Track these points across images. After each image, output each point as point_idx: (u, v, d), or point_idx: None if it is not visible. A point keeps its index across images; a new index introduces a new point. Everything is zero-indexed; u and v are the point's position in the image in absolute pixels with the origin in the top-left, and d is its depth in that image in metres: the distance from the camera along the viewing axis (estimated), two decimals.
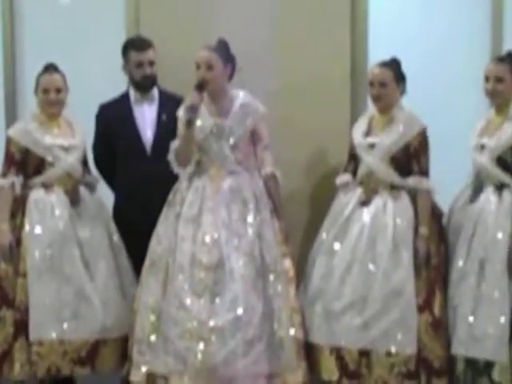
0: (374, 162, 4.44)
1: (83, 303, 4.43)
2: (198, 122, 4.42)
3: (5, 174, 4.55)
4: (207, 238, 4.32)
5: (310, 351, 4.40)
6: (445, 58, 5.17)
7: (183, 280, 4.29)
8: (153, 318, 4.35)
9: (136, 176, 4.82)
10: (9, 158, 4.57)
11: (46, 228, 4.47)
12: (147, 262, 4.47)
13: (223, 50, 4.44)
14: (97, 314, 4.43)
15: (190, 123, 4.32)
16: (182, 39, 5.08)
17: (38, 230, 4.46)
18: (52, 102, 4.59)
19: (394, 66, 4.46)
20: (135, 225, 4.76)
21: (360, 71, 5.12)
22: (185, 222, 4.39)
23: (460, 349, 4.26)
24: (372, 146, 4.46)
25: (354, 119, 5.02)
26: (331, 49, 5.10)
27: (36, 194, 4.53)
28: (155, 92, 4.94)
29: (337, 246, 4.44)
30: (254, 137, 4.50)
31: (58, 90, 4.59)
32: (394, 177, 4.42)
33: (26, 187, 4.56)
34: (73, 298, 4.42)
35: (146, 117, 4.91)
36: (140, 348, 4.36)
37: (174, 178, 4.55)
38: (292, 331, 4.34)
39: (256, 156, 4.52)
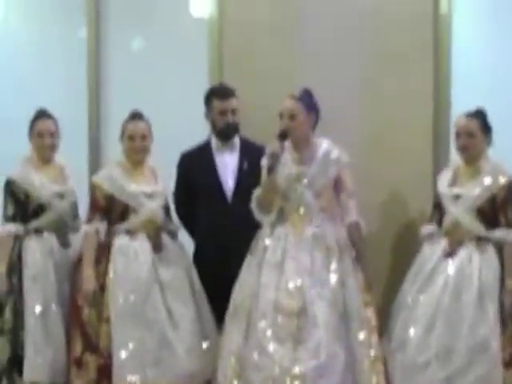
0: (459, 213, 4.40)
1: (166, 349, 4.45)
2: (282, 170, 4.45)
3: (90, 220, 4.63)
4: (290, 285, 4.32)
5: None
6: None
7: (266, 326, 4.29)
8: (235, 363, 4.35)
9: (217, 223, 4.84)
10: (94, 204, 4.64)
11: (129, 274, 4.51)
12: (230, 309, 4.48)
13: (307, 99, 4.47)
14: (179, 361, 4.45)
15: (271, 171, 4.36)
16: (265, 88, 5.17)
17: (122, 276, 4.52)
18: (137, 149, 4.67)
19: (480, 116, 4.45)
20: (215, 272, 4.77)
21: (443, 120, 5.09)
22: (268, 269, 4.41)
23: None
24: (458, 196, 4.43)
25: (435, 168, 5.03)
26: (414, 98, 5.09)
27: (120, 240, 4.59)
28: (237, 140, 4.97)
29: (421, 297, 4.40)
30: (337, 185, 4.51)
31: (144, 138, 4.67)
32: (480, 229, 4.38)
33: (110, 233, 4.62)
34: (156, 344, 4.44)
35: (227, 165, 4.94)
36: None
37: (255, 226, 4.57)
38: (374, 380, 4.30)
39: (340, 204, 4.52)
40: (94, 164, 5.59)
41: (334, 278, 4.36)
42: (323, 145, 4.53)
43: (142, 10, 5.65)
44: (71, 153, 5.11)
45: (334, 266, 4.38)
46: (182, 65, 5.51)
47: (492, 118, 4.50)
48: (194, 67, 5.46)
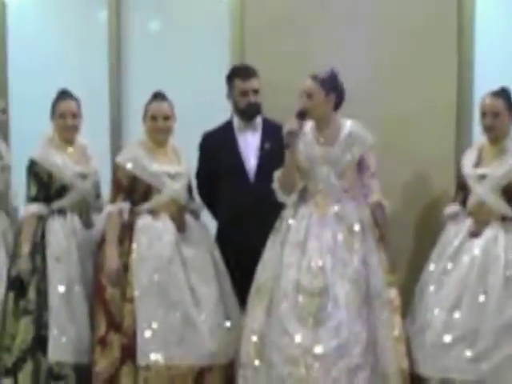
0: (484, 193, 4.38)
1: (190, 329, 4.45)
2: (305, 150, 4.45)
3: (113, 201, 4.63)
4: (312, 264, 4.32)
5: (416, 382, 4.33)
6: None
7: (287, 306, 4.29)
8: (257, 342, 4.36)
9: (239, 203, 4.84)
10: (117, 184, 4.64)
11: (153, 254, 4.51)
12: (253, 289, 4.49)
13: (329, 79, 4.43)
14: (203, 340, 4.45)
15: (288, 148, 4.35)
16: (286, 67, 5.15)
17: (145, 255, 4.52)
18: (160, 129, 4.65)
19: (505, 95, 4.42)
20: (238, 251, 4.78)
21: (466, 99, 5.08)
22: (290, 248, 4.41)
23: None
24: (483, 176, 4.41)
25: (458, 147, 5.01)
26: (437, 76, 5.06)
27: (143, 220, 4.59)
28: (259, 120, 4.96)
29: (446, 277, 4.39)
30: (360, 165, 4.49)
31: (166, 118, 4.66)
32: (505, 208, 4.36)
33: (133, 213, 4.62)
34: (179, 323, 4.44)
35: (249, 144, 4.94)
36: (244, 372, 4.38)
37: (277, 206, 4.56)
38: (396, 361, 4.29)
39: (363, 184, 4.50)
40: (116, 144, 5.60)
41: (356, 258, 4.34)
42: (347, 125, 4.51)
43: None
44: (93, 133, 5.12)
45: (356, 245, 4.37)
46: (204, 45, 5.50)
47: None
48: (215, 47, 5.46)
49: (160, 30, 5.73)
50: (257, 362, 4.34)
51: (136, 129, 4.94)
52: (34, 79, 5.78)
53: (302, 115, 4.37)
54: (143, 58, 5.67)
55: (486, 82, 4.87)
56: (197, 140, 5.04)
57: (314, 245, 4.37)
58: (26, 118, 5.73)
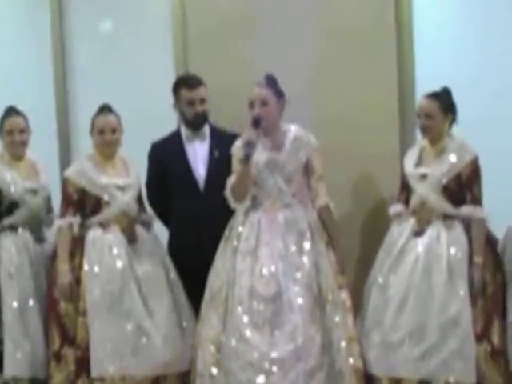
0: (426, 192, 4.45)
1: (143, 339, 4.48)
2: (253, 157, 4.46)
3: (63, 215, 4.65)
4: (265, 271, 4.36)
5: (368, 382, 4.39)
6: (494, 79, 5.04)
7: (242, 313, 4.32)
8: (214, 350, 4.38)
9: (189, 213, 4.87)
10: (66, 198, 4.67)
11: (104, 267, 4.54)
12: (206, 296, 4.51)
13: (274, 85, 4.49)
14: (157, 350, 4.48)
15: (247, 159, 4.35)
16: (229, 76, 5.17)
17: (96, 268, 4.54)
18: (108, 142, 4.69)
19: (441, 96, 4.47)
20: (190, 261, 4.81)
21: (408, 98, 5.10)
22: (242, 256, 4.44)
23: None
24: (424, 176, 4.47)
25: (402, 147, 5.04)
26: (379, 77, 5.09)
27: (93, 234, 4.62)
28: (206, 129, 4.98)
29: (392, 276, 4.45)
30: (307, 169, 4.53)
31: (114, 131, 4.69)
32: (446, 207, 4.42)
33: (84, 227, 4.65)
34: (132, 334, 4.48)
35: (197, 154, 4.95)
36: (202, 381, 4.39)
37: (227, 214, 4.59)
38: (351, 361, 4.35)
39: (310, 187, 4.55)
40: (65, 158, 5.59)
41: (307, 262, 4.39)
42: (292, 130, 4.55)
43: None
44: (40, 145, 5.11)
45: (307, 249, 4.42)
46: (148, 56, 5.53)
47: (457, 92, 4.52)
48: (159, 57, 5.48)
49: (105, 35, 5.71)
50: (214, 371, 4.36)
51: (84, 142, 4.94)
52: None
53: (258, 123, 4.38)
54: (89, 69, 5.65)
55: (427, 80, 4.91)
56: (144, 149, 5.03)
57: (265, 251, 4.40)
58: None
